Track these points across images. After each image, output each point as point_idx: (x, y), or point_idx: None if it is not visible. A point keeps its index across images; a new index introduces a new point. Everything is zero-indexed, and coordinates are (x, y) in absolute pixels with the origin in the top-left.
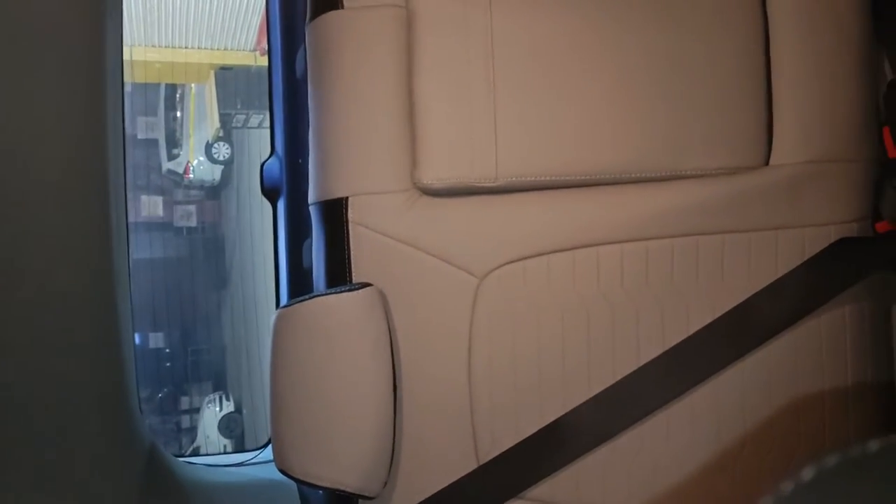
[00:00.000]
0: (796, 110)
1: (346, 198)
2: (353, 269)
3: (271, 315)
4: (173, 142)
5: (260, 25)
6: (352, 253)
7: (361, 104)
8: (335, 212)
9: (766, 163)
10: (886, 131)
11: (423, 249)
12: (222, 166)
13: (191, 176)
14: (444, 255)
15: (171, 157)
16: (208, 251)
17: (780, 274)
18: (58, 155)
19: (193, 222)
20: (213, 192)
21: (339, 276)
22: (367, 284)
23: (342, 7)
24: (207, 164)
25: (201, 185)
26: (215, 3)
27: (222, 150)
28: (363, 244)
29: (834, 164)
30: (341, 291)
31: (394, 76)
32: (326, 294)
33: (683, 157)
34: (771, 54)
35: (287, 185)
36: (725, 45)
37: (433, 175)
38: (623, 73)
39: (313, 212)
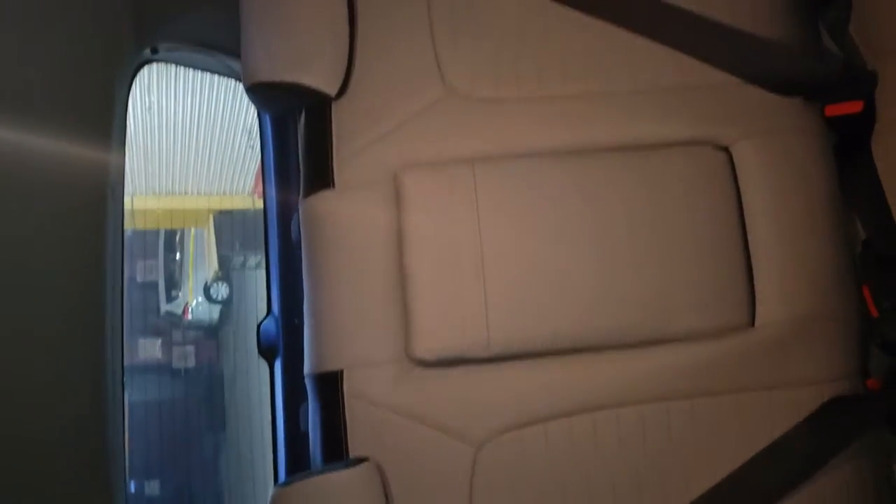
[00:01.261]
0: (775, 271)
1: (341, 370)
2: (349, 443)
3: (269, 487)
4: (172, 283)
5: (257, 171)
6: (348, 426)
7: (354, 279)
8: (330, 384)
9: (752, 323)
10: (866, 290)
11: (419, 420)
12: (221, 306)
13: (189, 317)
14: (439, 426)
15: (170, 299)
16: (206, 392)
17: (776, 435)
18: (55, 303)
19: (192, 363)
20: (212, 332)
21: (336, 449)
22: (364, 459)
23: (333, 186)
24: (206, 304)
25: (200, 326)
26: (214, 150)
27: (221, 290)
28: (359, 417)
29: (819, 323)
30: (338, 469)
31: (384, 251)
32: (323, 472)
33: (670, 321)
34: (745, 219)
35: (284, 346)
36: (702, 213)
37: (426, 347)
38: (607, 244)
39: (309, 383)
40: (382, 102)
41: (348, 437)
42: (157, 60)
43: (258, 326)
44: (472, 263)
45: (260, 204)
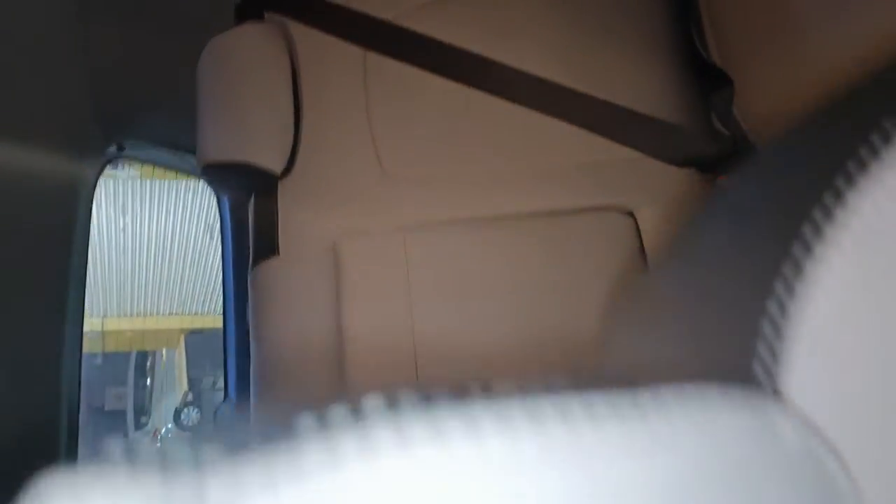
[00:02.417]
0: None
1: None
2: None
3: None
4: (141, 410)
5: None
6: None
7: (295, 339)
8: None
9: None
10: None
11: None
12: (191, 433)
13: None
14: None
15: (139, 426)
16: None
17: None
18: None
19: None
20: None
21: None
22: None
23: (278, 254)
24: (176, 431)
25: None
26: (186, 271)
27: (191, 416)
28: None
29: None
30: None
31: (324, 313)
32: None
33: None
34: None
35: None
36: (611, 272)
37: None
38: (523, 300)
39: None
40: (324, 182)
41: None
42: (123, 157)
43: (214, 413)
44: (403, 321)
45: None
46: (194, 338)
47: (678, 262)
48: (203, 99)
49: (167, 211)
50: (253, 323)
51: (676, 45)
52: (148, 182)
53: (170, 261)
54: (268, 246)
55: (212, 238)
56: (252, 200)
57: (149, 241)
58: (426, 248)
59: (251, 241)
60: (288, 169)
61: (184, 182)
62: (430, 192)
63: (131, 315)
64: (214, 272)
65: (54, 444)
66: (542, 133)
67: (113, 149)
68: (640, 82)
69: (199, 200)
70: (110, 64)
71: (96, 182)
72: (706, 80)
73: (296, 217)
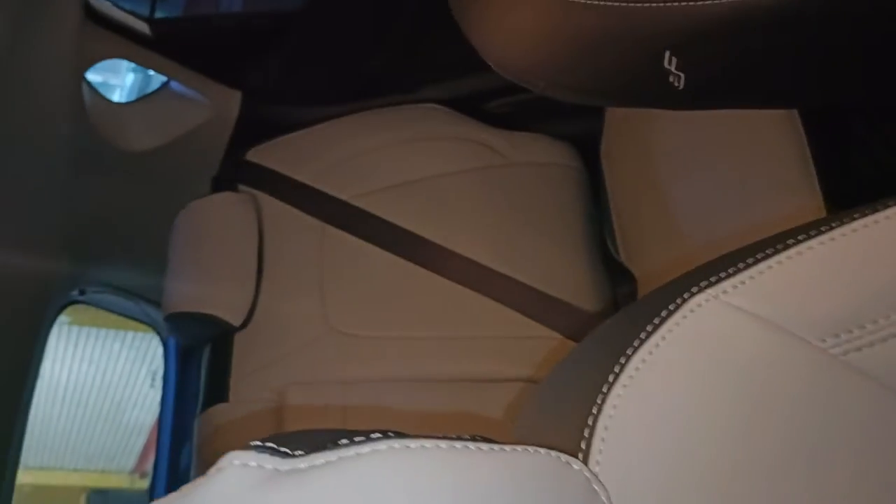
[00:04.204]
0: None
1: None
2: None
3: None
4: None
5: (142, 448)
6: None
7: None
8: None
9: None
10: None
11: None
12: None
13: None
14: None
15: None
16: None
17: None
18: None
19: None
20: None
21: None
22: None
23: (228, 401)
24: None
25: None
26: (99, 426)
27: None
28: None
29: None
30: None
31: None
32: None
33: None
34: None
35: None
36: None
37: None
38: None
39: None
40: (276, 336)
41: None
42: (82, 302)
43: None
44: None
45: (141, 484)
46: (97, 498)
47: None
48: (175, 254)
49: (90, 360)
50: (195, 467)
51: (591, 243)
52: (76, 329)
53: (83, 412)
54: (218, 393)
55: (153, 385)
56: (208, 349)
57: (65, 390)
58: (362, 402)
59: (203, 388)
60: (245, 322)
61: (114, 332)
62: (369, 351)
63: (31, 467)
64: (130, 429)
65: None
66: (469, 307)
67: (75, 292)
68: (556, 271)
69: (129, 352)
70: (88, 213)
71: (50, 327)
72: (615, 274)
73: (247, 367)
